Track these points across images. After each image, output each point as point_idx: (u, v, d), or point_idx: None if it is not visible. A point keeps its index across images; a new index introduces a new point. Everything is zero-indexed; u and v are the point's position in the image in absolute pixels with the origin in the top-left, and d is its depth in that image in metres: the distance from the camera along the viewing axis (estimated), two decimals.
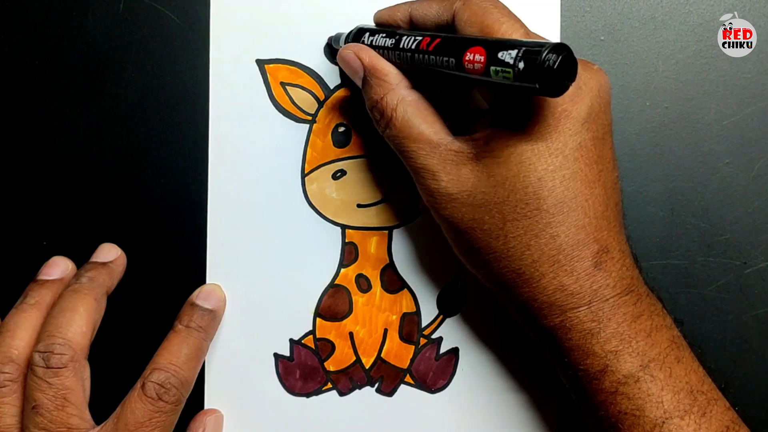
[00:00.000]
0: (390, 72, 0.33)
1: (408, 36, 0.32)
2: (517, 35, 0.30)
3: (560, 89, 0.27)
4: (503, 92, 0.31)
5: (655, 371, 0.30)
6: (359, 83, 0.35)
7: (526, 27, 0.31)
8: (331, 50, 0.39)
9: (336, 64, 0.38)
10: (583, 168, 0.30)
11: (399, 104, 0.32)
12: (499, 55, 0.27)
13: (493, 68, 0.27)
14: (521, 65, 0.26)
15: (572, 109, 0.30)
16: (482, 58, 0.28)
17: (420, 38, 0.31)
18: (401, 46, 0.32)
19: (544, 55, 0.25)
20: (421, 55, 0.31)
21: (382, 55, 0.34)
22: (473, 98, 0.37)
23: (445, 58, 0.30)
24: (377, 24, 0.36)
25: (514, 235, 0.30)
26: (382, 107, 0.33)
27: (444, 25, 0.33)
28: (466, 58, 0.28)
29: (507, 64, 0.26)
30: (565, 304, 0.30)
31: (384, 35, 0.34)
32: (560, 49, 0.26)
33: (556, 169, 0.30)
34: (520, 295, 0.31)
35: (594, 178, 0.30)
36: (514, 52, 0.26)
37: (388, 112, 0.33)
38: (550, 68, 0.26)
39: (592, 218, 0.30)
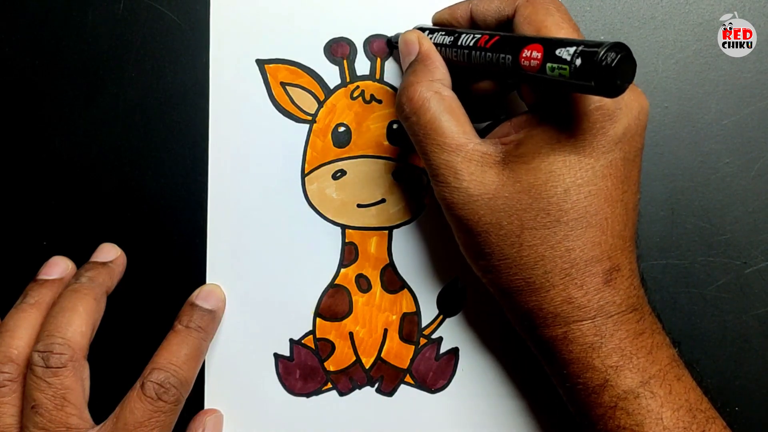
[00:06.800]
0: (439, 66, 0.33)
1: (467, 34, 0.32)
2: None
3: (616, 90, 0.26)
4: (554, 93, 0.31)
5: (655, 388, 0.30)
6: (405, 67, 0.35)
7: (582, 36, 0.31)
8: (389, 45, 0.39)
9: (392, 55, 0.39)
10: (609, 186, 0.30)
11: (433, 96, 0.32)
12: (557, 51, 0.27)
13: (549, 65, 0.27)
14: (578, 62, 0.26)
15: (609, 126, 0.30)
16: (539, 55, 0.28)
17: (479, 36, 0.32)
18: (459, 43, 0.33)
19: (602, 53, 0.25)
20: (478, 53, 0.31)
21: (439, 52, 0.34)
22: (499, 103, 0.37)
23: (502, 55, 0.30)
24: (435, 24, 0.37)
25: (530, 243, 0.30)
26: (413, 92, 0.32)
27: (504, 20, 0.33)
28: (523, 55, 0.28)
29: (564, 61, 0.26)
30: (570, 317, 0.30)
31: (443, 33, 0.34)
32: (619, 48, 0.26)
33: (584, 183, 0.30)
34: (526, 303, 0.31)
35: (618, 197, 0.30)
36: (572, 49, 0.26)
37: (419, 100, 0.32)
38: (607, 66, 0.25)
39: (609, 237, 0.30)
